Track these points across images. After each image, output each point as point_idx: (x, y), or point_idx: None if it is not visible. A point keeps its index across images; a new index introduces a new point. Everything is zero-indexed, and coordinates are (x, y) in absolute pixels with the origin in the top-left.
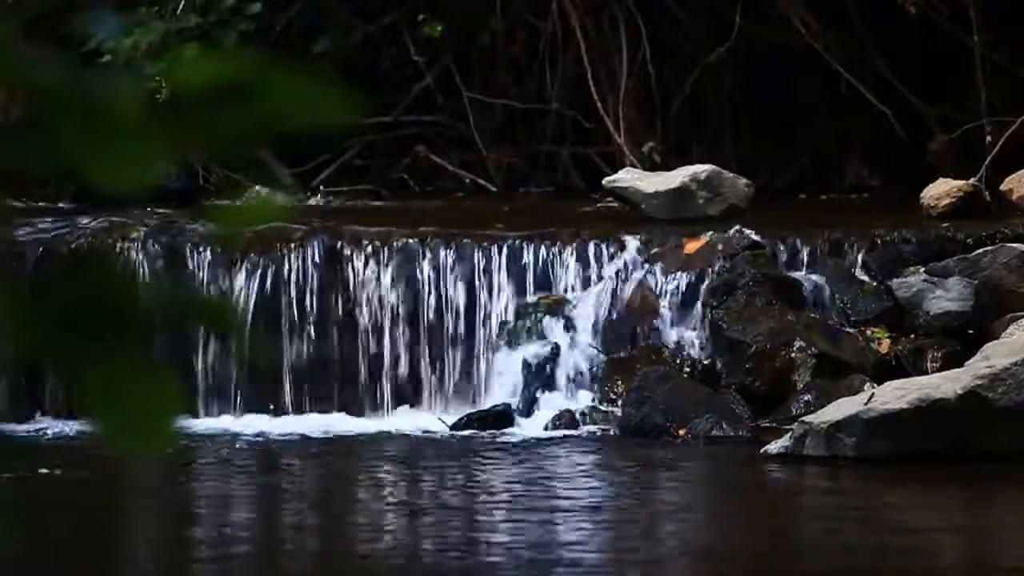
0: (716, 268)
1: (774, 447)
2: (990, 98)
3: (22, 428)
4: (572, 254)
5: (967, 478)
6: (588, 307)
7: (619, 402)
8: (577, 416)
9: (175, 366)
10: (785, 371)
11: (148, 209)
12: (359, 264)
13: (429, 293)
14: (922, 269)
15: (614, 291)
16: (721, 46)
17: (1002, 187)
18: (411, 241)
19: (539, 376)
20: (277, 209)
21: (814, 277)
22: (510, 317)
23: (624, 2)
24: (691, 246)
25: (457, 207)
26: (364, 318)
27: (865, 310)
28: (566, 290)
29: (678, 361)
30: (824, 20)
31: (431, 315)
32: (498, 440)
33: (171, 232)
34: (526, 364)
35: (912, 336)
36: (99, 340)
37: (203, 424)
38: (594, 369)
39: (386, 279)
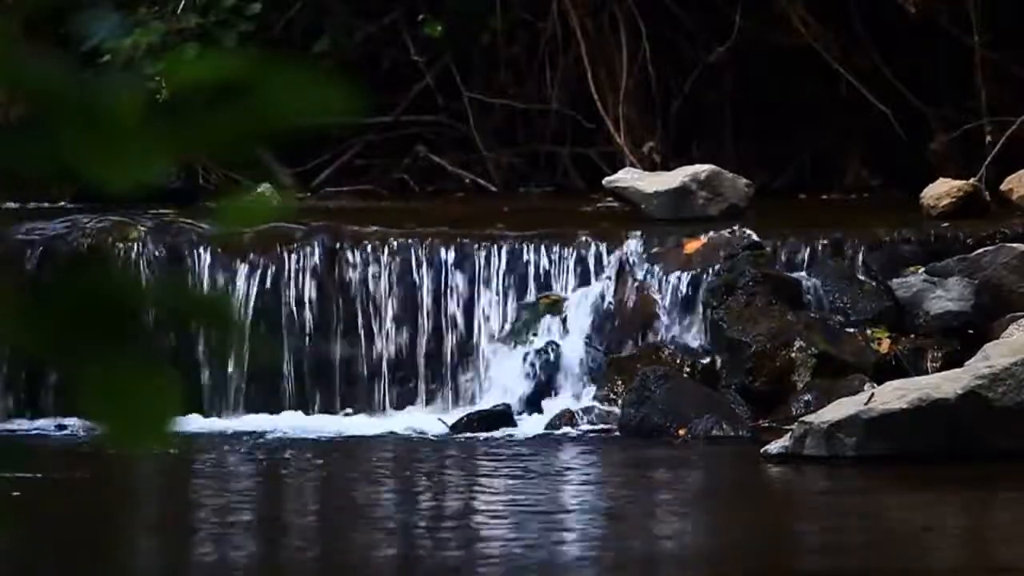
0: (716, 268)
1: (774, 447)
2: (990, 98)
3: (21, 428)
4: (572, 254)
5: (967, 478)
6: (588, 307)
7: (619, 402)
8: (577, 416)
9: (175, 365)
10: (785, 371)
11: (148, 209)
12: (359, 264)
13: (429, 293)
14: (922, 269)
15: (614, 291)
16: (721, 46)
17: (1002, 187)
18: (411, 241)
19: (539, 376)
20: (277, 209)
21: (814, 277)
22: (510, 317)
23: (624, 2)
24: (691, 246)
25: (457, 207)
26: (364, 318)
27: (865, 310)
28: (566, 290)
29: (678, 361)
30: (824, 20)
31: (431, 315)
32: (498, 440)
33: (171, 232)
34: (526, 364)
35: (912, 336)
36: (99, 340)
37: (203, 424)
38: (594, 369)
39: (386, 279)
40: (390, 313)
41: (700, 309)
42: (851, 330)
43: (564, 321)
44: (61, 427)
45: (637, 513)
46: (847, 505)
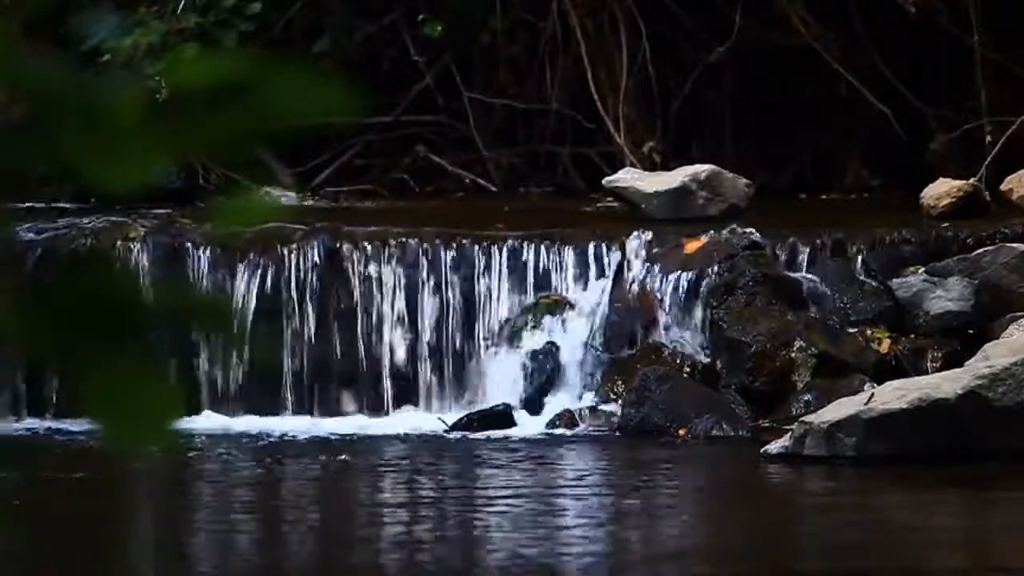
0: (716, 268)
1: (774, 447)
2: (990, 98)
3: (22, 428)
4: (572, 254)
5: (967, 478)
6: (588, 307)
7: (619, 402)
8: (577, 416)
9: (176, 365)
10: (785, 371)
11: (148, 209)
12: (359, 264)
13: (429, 293)
14: (922, 269)
15: (614, 291)
16: (721, 46)
17: (1002, 187)
18: (411, 241)
19: (539, 376)
20: (277, 209)
21: (814, 277)
22: (510, 317)
23: (624, 2)
24: (691, 246)
25: (457, 207)
26: (364, 318)
27: (865, 310)
28: (566, 290)
29: (678, 361)
30: (824, 20)
31: (431, 315)
32: (498, 440)
33: (171, 232)
34: (526, 364)
35: (912, 336)
36: (99, 340)
37: (203, 424)
38: (594, 369)
39: (386, 279)
40: (390, 313)
41: (700, 309)
42: (851, 330)
43: (564, 321)
44: (61, 428)
45: (637, 513)
46: (847, 505)
